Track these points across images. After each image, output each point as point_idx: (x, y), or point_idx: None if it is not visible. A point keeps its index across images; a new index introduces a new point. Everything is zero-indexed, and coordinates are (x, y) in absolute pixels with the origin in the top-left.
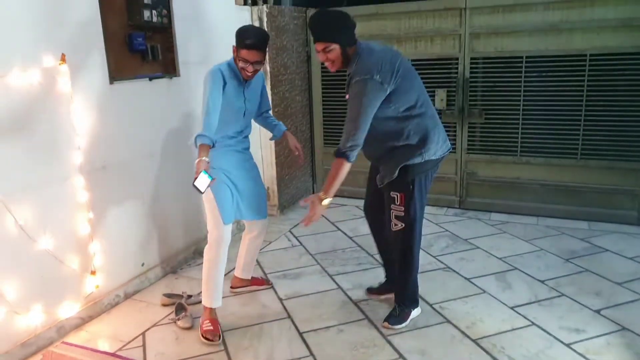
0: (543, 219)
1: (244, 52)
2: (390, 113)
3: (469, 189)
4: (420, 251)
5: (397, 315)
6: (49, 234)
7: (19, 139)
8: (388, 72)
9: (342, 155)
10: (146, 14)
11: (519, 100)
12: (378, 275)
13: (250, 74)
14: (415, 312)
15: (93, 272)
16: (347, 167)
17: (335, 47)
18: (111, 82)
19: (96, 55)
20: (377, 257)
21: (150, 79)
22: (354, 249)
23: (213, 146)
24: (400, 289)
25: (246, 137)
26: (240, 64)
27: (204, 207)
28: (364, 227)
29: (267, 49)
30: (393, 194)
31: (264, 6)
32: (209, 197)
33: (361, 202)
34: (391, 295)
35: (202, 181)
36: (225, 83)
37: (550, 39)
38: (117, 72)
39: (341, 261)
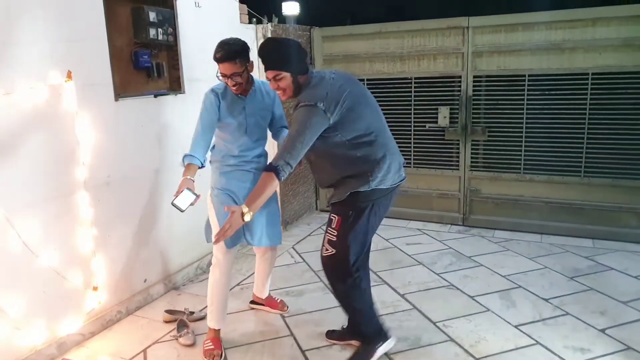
0: (547, 236)
1: (220, 67)
2: (337, 140)
3: (472, 206)
4: (424, 268)
5: (360, 353)
6: (52, 250)
7: (24, 154)
8: (333, 101)
9: (273, 169)
10: (152, 32)
11: (522, 118)
12: (380, 293)
13: (234, 88)
14: (384, 348)
15: (95, 288)
16: (275, 184)
17: (286, 76)
18: (116, 99)
19: (102, 72)
20: (380, 274)
21: (156, 96)
22: None
23: (202, 166)
24: (351, 325)
25: (258, 156)
26: (221, 79)
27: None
28: None
29: (245, 59)
30: (332, 215)
31: (269, 25)
32: (213, 220)
33: None
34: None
35: (184, 199)
36: (219, 102)
37: (553, 57)
38: (122, 89)
39: None
